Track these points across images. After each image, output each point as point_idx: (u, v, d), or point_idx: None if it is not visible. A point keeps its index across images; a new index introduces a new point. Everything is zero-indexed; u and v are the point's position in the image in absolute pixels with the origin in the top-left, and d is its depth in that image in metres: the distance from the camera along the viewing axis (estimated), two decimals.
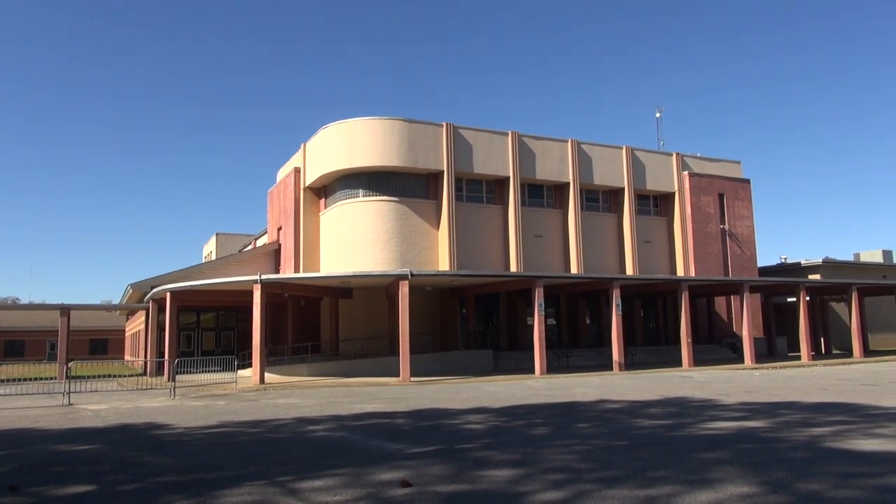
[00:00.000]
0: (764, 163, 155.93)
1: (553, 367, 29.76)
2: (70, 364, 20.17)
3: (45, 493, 7.00)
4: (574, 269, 36.32)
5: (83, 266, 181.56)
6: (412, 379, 24.87)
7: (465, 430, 11.38)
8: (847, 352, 41.34)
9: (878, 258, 53.59)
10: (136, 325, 46.75)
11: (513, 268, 34.61)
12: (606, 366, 30.41)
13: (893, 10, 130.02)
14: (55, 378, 28.09)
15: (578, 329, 38.22)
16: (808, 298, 36.29)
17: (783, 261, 50.42)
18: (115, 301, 67.14)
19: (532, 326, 28.88)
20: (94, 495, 6.85)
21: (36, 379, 26.16)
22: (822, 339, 44.57)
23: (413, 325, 26.42)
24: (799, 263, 47.74)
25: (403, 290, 25.51)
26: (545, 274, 31.01)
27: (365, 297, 32.86)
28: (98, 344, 66.74)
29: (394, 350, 28.15)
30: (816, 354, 39.79)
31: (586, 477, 7.16)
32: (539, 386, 21.72)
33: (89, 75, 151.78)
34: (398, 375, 25.18)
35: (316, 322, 35.23)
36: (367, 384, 23.69)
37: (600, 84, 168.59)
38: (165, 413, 15.18)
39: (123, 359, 55.75)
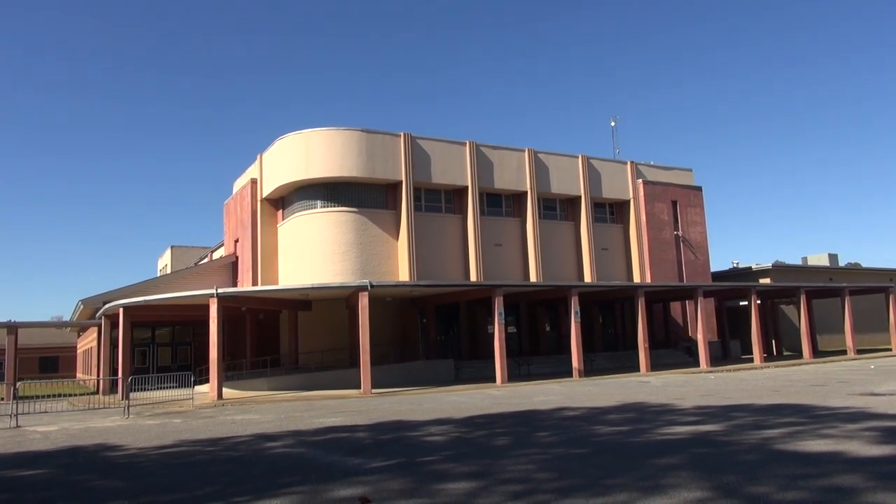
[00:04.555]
0: (714, 170, 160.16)
1: (514, 376, 29.94)
2: (18, 384, 19.54)
3: None
4: (533, 278, 36.65)
5: (31, 281, 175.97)
6: (373, 391, 24.75)
7: (426, 443, 11.38)
8: (797, 353, 42.56)
9: (824, 261, 55.37)
10: (88, 341, 45.45)
11: (472, 277, 34.77)
12: (566, 373, 30.72)
13: (842, 28, 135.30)
14: (2, 399, 27.13)
15: (538, 337, 38.55)
16: (759, 302, 37.31)
17: (735, 265, 51.76)
18: (66, 317, 65.18)
19: (492, 335, 29.02)
20: None
21: None
22: (773, 342, 45.84)
23: (373, 336, 26.30)
24: (750, 268, 49.06)
25: (363, 301, 25.40)
26: (505, 283, 31.22)
27: (324, 308, 32.60)
28: (48, 362, 64.59)
29: (354, 362, 27.97)
30: (768, 356, 40.90)
31: (544, 487, 7.24)
32: (500, 395, 21.84)
33: (41, 76, 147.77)
34: (359, 387, 25.02)
35: (275, 335, 34.78)
36: (327, 397, 23.48)
37: (556, 94, 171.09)
38: (118, 433, 14.80)
39: (75, 377, 54.20)
